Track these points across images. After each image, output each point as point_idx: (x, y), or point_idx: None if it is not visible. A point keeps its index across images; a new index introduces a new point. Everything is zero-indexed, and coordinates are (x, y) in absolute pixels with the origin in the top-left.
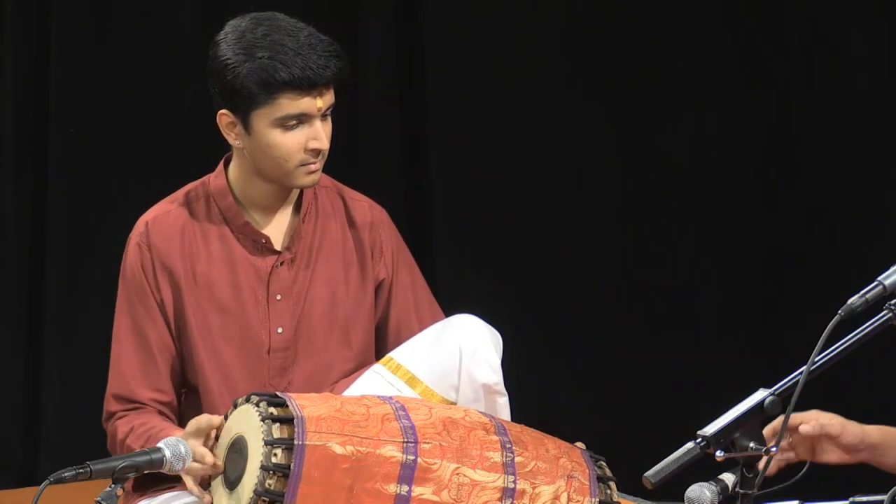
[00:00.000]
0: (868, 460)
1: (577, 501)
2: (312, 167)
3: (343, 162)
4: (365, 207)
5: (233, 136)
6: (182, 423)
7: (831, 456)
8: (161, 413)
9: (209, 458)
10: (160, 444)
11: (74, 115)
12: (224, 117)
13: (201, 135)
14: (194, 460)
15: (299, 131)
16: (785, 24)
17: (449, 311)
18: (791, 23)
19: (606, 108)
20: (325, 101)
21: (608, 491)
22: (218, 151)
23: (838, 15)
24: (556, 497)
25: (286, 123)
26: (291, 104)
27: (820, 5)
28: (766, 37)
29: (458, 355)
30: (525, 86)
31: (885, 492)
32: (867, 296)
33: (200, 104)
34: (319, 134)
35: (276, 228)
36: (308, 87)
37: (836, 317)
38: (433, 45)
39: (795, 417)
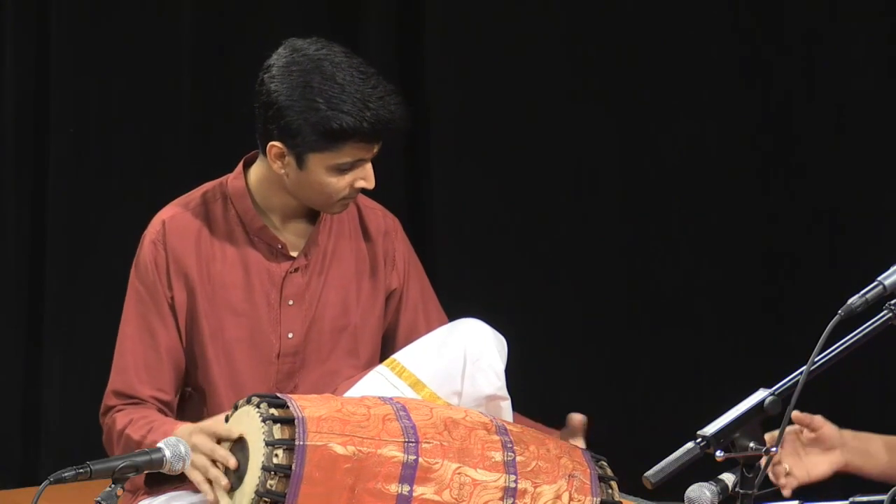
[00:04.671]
0: (848, 466)
1: (579, 501)
2: (350, 201)
3: None
4: (378, 216)
5: (278, 165)
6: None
7: (814, 460)
8: (160, 411)
9: (232, 461)
10: (160, 444)
11: (74, 115)
12: (275, 149)
13: (201, 135)
14: (213, 460)
15: (350, 173)
16: (785, 24)
17: (449, 310)
18: (791, 23)
19: (606, 108)
20: (380, 145)
21: (609, 490)
22: (217, 152)
23: (838, 15)
24: (558, 496)
25: (343, 168)
26: (353, 153)
27: (820, 5)
28: (767, 37)
29: (463, 361)
30: (525, 86)
31: (885, 492)
32: (867, 296)
33: (200, 104)
34: (370, 176)
35: (293, 234)
36: (374, 139)
37: (836, 317)
38: (433, 45)
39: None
